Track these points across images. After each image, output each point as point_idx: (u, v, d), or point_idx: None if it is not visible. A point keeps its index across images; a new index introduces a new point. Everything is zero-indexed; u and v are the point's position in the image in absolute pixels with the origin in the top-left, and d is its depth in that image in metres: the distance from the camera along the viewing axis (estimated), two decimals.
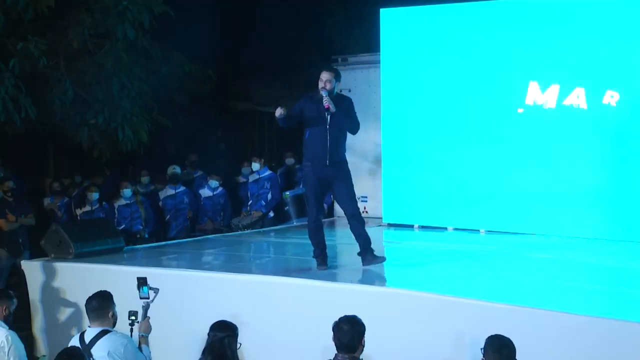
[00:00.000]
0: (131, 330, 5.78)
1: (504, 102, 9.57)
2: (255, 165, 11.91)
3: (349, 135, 7.63)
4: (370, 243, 7.51)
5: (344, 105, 7.44)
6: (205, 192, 11.95)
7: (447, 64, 9.94)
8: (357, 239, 7.51)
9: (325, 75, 7.36)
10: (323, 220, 8.12)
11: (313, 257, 7.59)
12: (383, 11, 10.54)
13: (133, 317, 5.80)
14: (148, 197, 11.62)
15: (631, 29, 8.76)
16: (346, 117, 7.39)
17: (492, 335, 4.98)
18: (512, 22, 9.53)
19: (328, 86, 7.32)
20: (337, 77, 7.46)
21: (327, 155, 7.31)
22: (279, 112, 7.27)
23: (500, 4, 9.71)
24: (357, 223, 7.51)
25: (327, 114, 7.26)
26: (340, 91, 7.69)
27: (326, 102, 7.24)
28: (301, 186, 12.38)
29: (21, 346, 6.02)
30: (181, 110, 13.25)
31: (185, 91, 12.06)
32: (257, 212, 11.77)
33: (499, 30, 9.61)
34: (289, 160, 13.11)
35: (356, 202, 7.66)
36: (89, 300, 5.66)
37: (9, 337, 5.92)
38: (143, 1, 10.17)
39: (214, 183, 11.91)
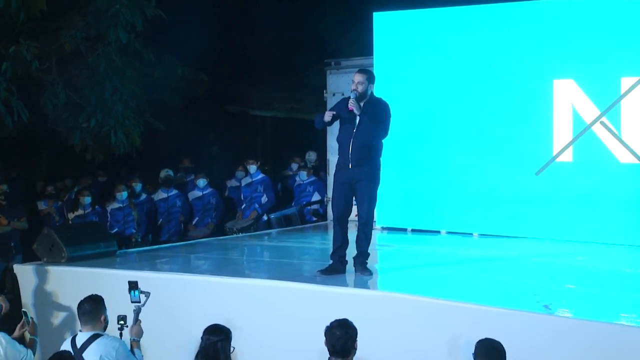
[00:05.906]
0: (120, 335, 5.78)
1: (495, 105, 9.57)
2: (252, 168, 11.88)
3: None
4: (366, 257, 7.43)
5: (372, 108, 7.21)
6: (194, 193, 11.93)
7: (440, 68, 9.95)
8: (357, 249, 7.43)
9: (356, 77, 7.21)
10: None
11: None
12: (376, 15, 10.53)
13: (122, 322, 5.80)
14: (142, 204, 11.59)
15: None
16: (370, 121, 7.17)
17: (481, 340, 5.00)
18: (504, 26, 9.55)
19: (360, 88, 7.16)
20: (371, 79, 7.27)
21: (349, 158, 7.20)
22: (328, 116, 7.22)
23: (493, 7, 9.70)
24: (364, 236, 7.36)
25: (353, 117, 7.15)
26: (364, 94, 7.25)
27: (351, 104, 7.10)
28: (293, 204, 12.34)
29: (14, 343, 6.04)
30: (174, 113, 13.24)
31: (178, 94, 12.05)
32: (254, 212, 11.75)
33: (492, 34, 9.62)
34: (291, 168, 13.03)
35: (372, 208, 7.43)
36: (81, 304, 5.67)
37: (2, 339, 5.94)
38: (136, 4, 10.17)
39: (201, 182, 11.88)
